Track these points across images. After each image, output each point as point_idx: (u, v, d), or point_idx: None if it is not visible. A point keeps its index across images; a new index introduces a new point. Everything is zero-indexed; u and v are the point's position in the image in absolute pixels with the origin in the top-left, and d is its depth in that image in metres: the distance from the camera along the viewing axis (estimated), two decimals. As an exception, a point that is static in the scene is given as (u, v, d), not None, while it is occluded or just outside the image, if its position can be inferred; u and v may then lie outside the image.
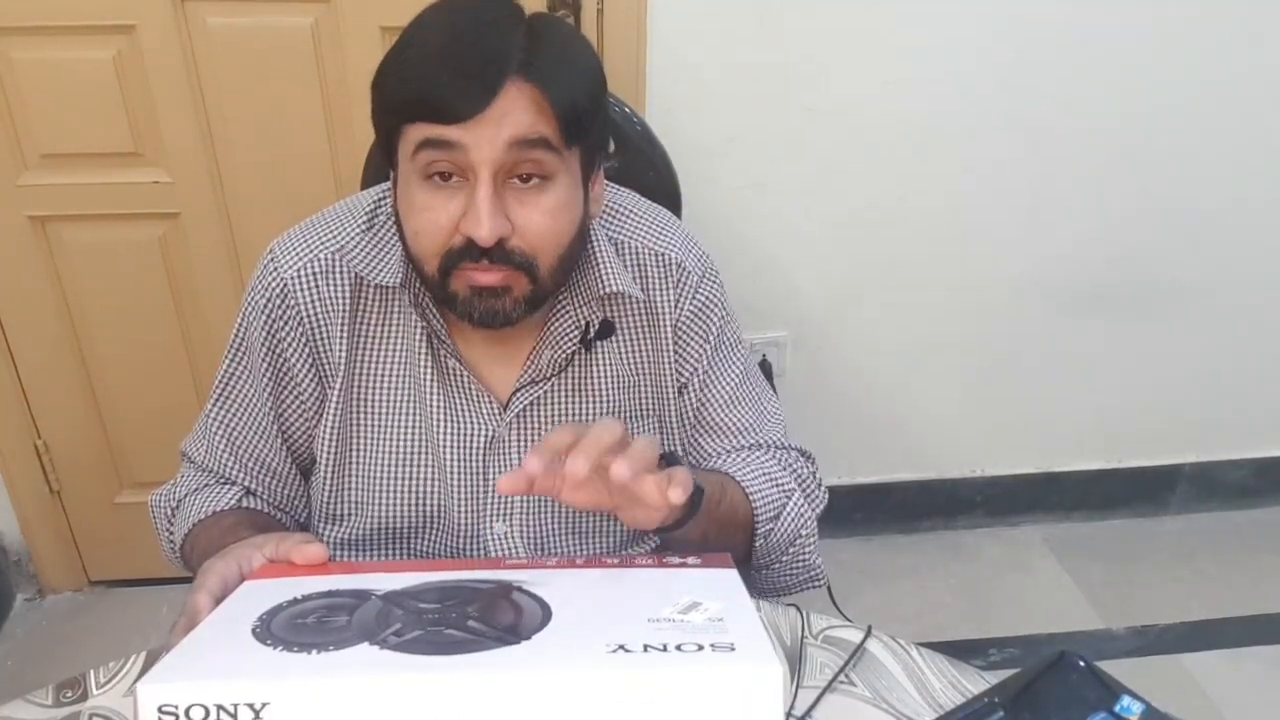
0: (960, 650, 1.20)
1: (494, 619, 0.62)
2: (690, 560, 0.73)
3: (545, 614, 0.63)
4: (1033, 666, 0.77)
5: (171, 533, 0.97)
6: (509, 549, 0.95)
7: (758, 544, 0.95)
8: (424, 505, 0.94)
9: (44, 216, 1.56)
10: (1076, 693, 0.75)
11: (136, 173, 1.54)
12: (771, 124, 1.63)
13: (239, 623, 0.62)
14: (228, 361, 0.95)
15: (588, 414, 0.94)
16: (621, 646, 0.57)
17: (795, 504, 0.97)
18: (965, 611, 1.90)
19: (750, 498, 0.93)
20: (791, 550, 0.98)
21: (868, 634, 0.86)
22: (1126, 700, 0.74)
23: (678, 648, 0.57)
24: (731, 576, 0.70)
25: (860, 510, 2.05)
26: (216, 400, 0.96)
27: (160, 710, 0.52)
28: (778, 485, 0.96)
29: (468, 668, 0.55)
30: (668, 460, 0.78)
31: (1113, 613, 1.90)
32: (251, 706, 0.53)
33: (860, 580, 1.95)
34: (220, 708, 0.53)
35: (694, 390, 0.98)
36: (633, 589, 0.69)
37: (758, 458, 0.99)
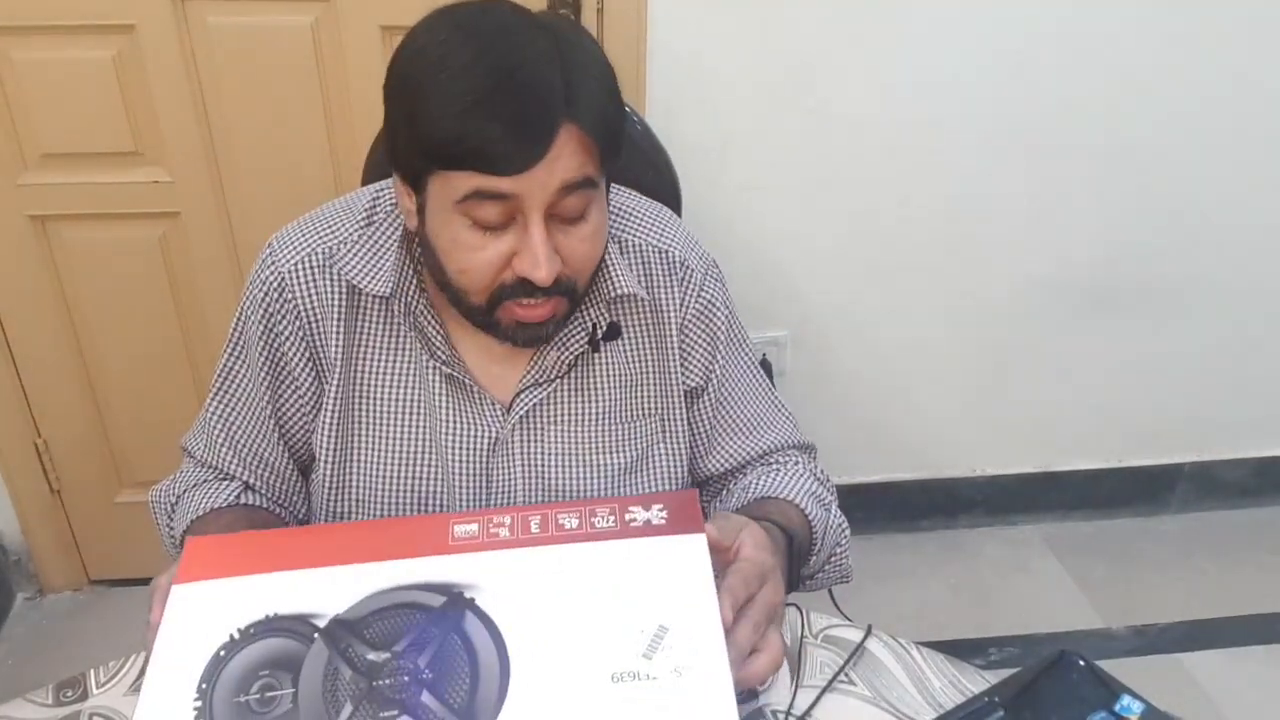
0: (960, 650, 1.20)
1: (448, 684, 0.64)
2: (655, 517, 0.73)
3: (503, 671, 0.65)
4: (1033, 666, 0.77)
5: (171, 527, 0.97)
6: None
7: (811, 560, 0.95)
8: (427, 506, 0.94)
9: (44, 216, 1.56)
10: (1076, 692, 0.75)
11: (136, 172, 1.54)
12: (772, 125, 1.63)
13: (180, 691, 0.64)
14: (227, 355, 0.95)
15: (591, 415, 0.93)
16: None
17: (835, 516, 0.98)
18: (965, 611, 1.90)
19: (811, 524, 0.93)
20: (833, 559, 0.99)
21: (868, 633, 0.86)
22: (1126, 700, 0.74)
23: None
24: (699, 553, 0.71)
25: (860, 510, 2.04)
26: (216, 394, 0.96)
27: None
28: (821, 501, 0.96)
29: None
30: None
31: (1113, 612, 1.90)
32: None
33: (860, 580, 1.93)
34: None
35: (711, 391, 0.97)
36: (595, 605, 0.69)
37: (795, 472, 0.98)
